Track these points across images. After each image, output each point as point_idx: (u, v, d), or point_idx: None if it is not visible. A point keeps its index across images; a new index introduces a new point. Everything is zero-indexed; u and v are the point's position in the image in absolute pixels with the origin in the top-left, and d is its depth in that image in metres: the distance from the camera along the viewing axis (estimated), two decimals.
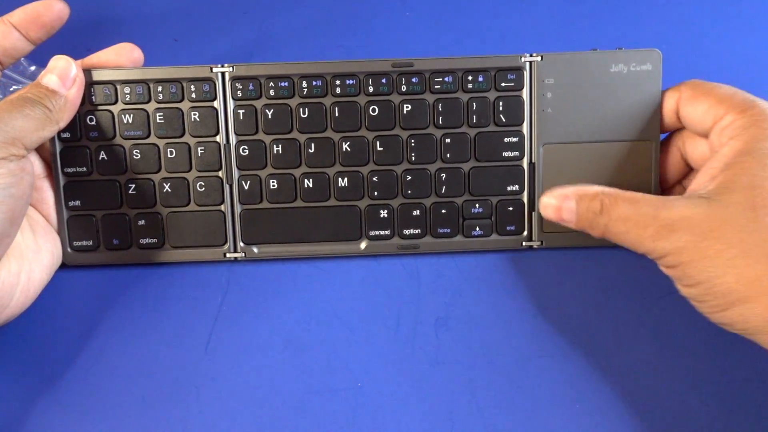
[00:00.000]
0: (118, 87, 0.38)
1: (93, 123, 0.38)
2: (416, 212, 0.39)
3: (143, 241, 0.38)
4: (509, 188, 0.39)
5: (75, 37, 0.42)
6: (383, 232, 0.39)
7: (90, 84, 0.38)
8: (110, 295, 0.38)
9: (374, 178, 0.38)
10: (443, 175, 0.39)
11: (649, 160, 0.38)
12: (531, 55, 0.38)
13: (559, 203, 0.35)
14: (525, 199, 0.39)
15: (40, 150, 0.38)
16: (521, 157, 0.39)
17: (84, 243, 0.38)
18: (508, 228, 0.39)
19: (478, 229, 0.39)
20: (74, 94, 0.36)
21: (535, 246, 0.39)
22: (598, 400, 0.35)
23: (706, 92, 0.35)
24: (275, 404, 0.35)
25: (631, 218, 0.32)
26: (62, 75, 0.35)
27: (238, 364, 0.36)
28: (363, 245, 0.39)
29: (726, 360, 0.36)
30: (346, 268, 0.39)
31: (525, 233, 0.39)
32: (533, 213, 0.39)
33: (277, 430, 0.34)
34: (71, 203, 0.38)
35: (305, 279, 0.39)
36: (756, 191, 0.30)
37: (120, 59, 0.39)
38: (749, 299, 0.29)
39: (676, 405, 0.35)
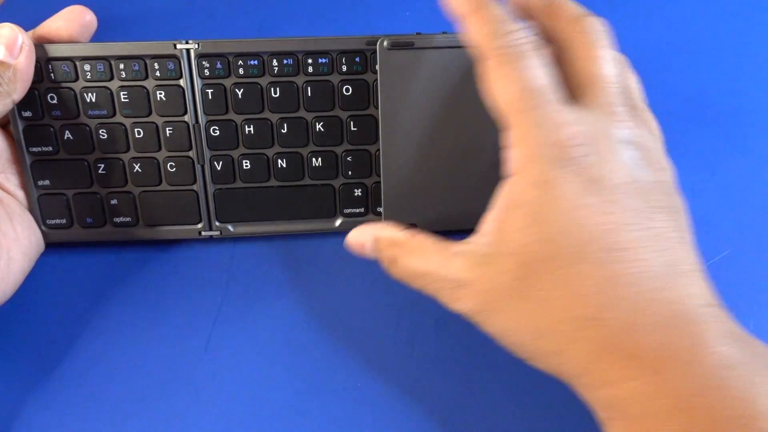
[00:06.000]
0: (77, 63, 0.36)
1: (54, 101, 0.36)
2: None
3: (117, 219, 0.38)
4: None
5: None
6: (357, 210, 0.39)
7: (47, 60, 0.36)
8: (109, 293, 0.38)
9: (348, 158, 0.38)
10: None
11: None
12: None
13: (361, 241, 0.33)
14: None
15: (10, 134, 0.37)
16: None
17: (57, 221, 0.38)
18: None
19: None
20: (23, 62, 0.34)
21: None
22: None
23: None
24: (275, 404, 0.35)
25: (422, 275, 0.31)
26: (9, 44, 0.33)
27: (238, 364, 0.36)
28: (338, 222, 0.40)
29: None
30: (346, 267, 0.39)
31: None
32: None
33: (277, 430, 0.34)
34: (40, 182, 0.37)
35: (305, 279, 0.39)
36: (521, 258, 0.27)
37: (71, 24, 0.37)
38: (531, 359, 0.29)
39: None
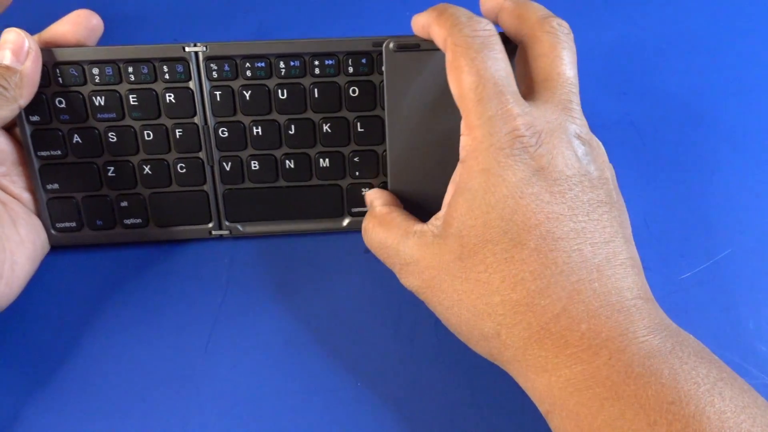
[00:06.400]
0: (86, 67, 0.36)
1: (63, 105, 0.36)
2: None
3: (127, 221, 0.39)
4: None
5: None
6: (365, 209, 0.40)
7: (54, 64, 0.36)
8: (110, 293, 0.39)
9: (355, 159, 0.39)
10: None
11: None
12: None
13: (369, 200, 0.37)
14: None
15: (15, 136, 0.37)
16: None
17: (67, 224, 0.38)
18: None
19: None
20: (30, 67, 0.34)
21: None
22: None
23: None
24: (275, 404, 0.35)
25: (382, 248, 0.33)
26: (15, 49, 0.33)
27: (238, 364, 0.36)
28: (345, 222, 0.40)
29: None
30: (346, 268, 0.39)
31: None
32: None
33: (277, 430, 0.35)
34: (49, 186, 0.38)
35: (305, 279, 0.39)
36: (463, 240, 0.29)
37: (77, 29, 0.36)
38: (470, 342, 0.31)
39: None
